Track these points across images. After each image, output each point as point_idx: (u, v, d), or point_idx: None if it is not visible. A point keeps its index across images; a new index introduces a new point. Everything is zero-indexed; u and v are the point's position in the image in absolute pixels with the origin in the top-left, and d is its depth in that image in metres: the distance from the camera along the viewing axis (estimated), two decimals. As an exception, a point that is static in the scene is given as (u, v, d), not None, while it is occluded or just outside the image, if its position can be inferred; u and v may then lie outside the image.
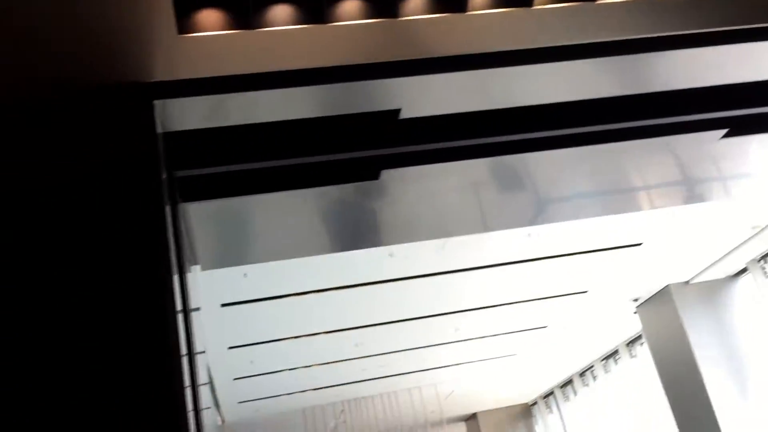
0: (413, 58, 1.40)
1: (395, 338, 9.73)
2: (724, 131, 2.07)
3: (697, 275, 9.54)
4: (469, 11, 1.41)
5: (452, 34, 1.41)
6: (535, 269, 8.01)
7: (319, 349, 9.06)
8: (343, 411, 13.64)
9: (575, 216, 3.61)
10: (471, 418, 17.73)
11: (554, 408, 16.66)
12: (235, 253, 2.35)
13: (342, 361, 10.01)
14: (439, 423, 15.00)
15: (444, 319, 9.21)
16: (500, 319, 9.87)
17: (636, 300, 10.31)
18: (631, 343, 12.73)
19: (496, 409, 17.36)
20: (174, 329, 1.29)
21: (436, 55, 1.38)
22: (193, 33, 1.25)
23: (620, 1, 1.46)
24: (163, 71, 1.23)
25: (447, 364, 11.99)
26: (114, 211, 1.20)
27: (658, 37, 1.57)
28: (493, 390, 15.17)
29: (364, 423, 13.98)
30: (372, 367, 11.15)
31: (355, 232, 2.51)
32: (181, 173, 1.44)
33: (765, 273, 9.21)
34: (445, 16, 1.40)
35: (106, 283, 1.25)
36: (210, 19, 1.23)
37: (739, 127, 2.10)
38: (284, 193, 1.67)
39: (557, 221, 5.05)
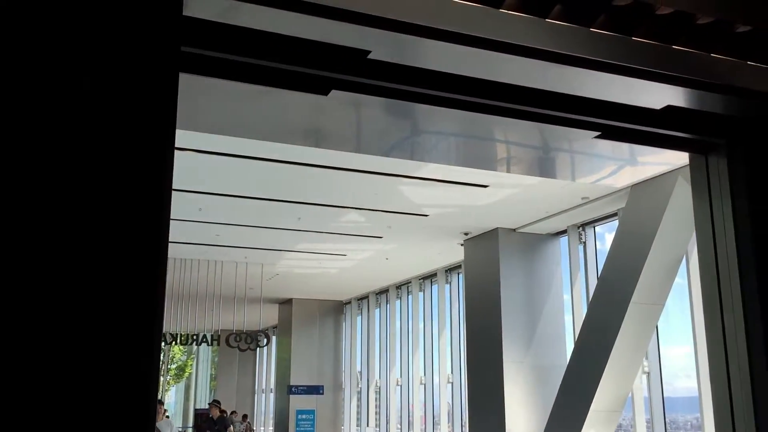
0: (382, 15, 1.77)
1: (238, 212, 9.94)
2: (597, 133, 2.58)
3: (524, 226, 10.52)
4: None
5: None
6: (388, 184, 8.48)
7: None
8: (164, 267, 13.73)
9: (443, 161, 4.08)
10: (286, 303, 18.52)
11: (364, 311, 17.81)
12: (202, 121, 2.72)
13: (182, 220, 10.09)
14: (256, 300, 15.55)
15: (291, 206, 9.53)
16: (343, 220, 10.36)
17: (466, 234, 11.19)
18: (450, 270, 13.81)
19: (311, 300, 18.23)
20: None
21: (396, 18, 1.75)
22: None
23: (547, 20, 1.87)
24: None
25: (280, 248, 12.41)
26: (136, 71, 1.46)
27: (566, 54, 2.04)
28: (314, 282, 15.90)
29: (183, 283, 14.18)
30: (208, 234, 11.32)
31: (293, 130, 2.86)
32: (187, 49, 1.71)
33: (580, 238, 10.35)
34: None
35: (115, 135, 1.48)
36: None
37: (609, 132, 2.59)
38: (258, 86, 2.01)
39: (427, 161, 5.54)
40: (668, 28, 2.09)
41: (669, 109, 2.51)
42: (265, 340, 15.88)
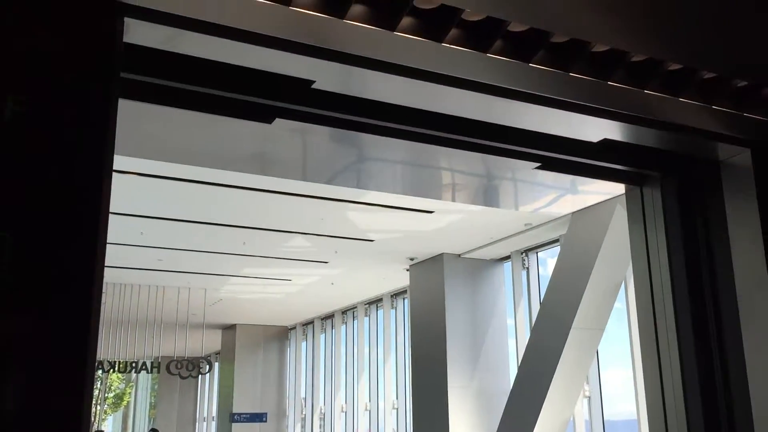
0: (327, 47, 1.79)
1: (182, 236, 9.77)
2: (538, 164, 2.65)
3: (469, 252, 10.63)
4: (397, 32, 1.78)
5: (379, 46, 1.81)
6: (334, 209, 8.48)
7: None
8: (104, 293, 13.37)
9: (389, 189, 4.13)
10: (229, 328, 18.20)
11: (309, 336, 17.64)
12: (145, 147, 2.70)
13: (123, 245, 9.86)
14: (198, 326, 15.24)
15: (236, 230, 9.42)
16: (289, 245, 10.29)
17: (412, 259, 11.25)
18: (396, 295, 13.83)
19: (255, 325, 17.97)
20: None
21: (331, 48, 1.78)
22: None
23: (488, 55, 1.93)
24: (145, 0, 1.54)
25: (224, 273, 12.23)
26: (75, 94, 1.45)
27: (507, 88, 2.10)
28: (258, 307, 15.69)
29: (123, 309, 13.82)
30: (149, 258, 11.09)
31: (238, 158, 2.86)
32: (127, 76, 1.70)
33: (523, 264, 10.52)
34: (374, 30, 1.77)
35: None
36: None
37: (549, 164, 2.67)
38: (201, 114, 2.01)
39: (372, 189, 5.58)
40: (604, 65, 2.17)
41: (606, 142, 2.60)
42: (207, 367, 15.56)
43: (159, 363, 15.67)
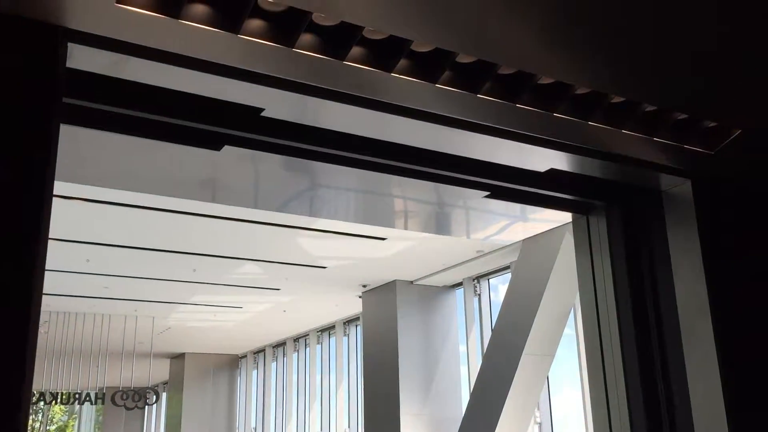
0: (275, 75, 1.79)
1: (129, 263, 9.56)
2: (487, 192, 2.70)
3: (421, 278, 10.67)
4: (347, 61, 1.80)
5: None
6: (286, 236, 8.42)
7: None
8: (46, 322, 12.94)
9: (341, 217, 4.13)
10: (178, 357, 17.81)
11: (260, 364, 17.37)
12: (91, 173, 2.65)
13: (68, 272, 9.59)
14: (146, 355, 14.87)
15: (186, 257, 9.27)
16: (240, 272, 10.16)
17: (364, 286, 11.22)
18: (348, 322, 13.76)
19: (205, 354, 17.62)
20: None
21: (281, 76, 1.79)
22: (126, 6, 1.47)
23: (436, 85, 1.97)
24: (89, 26, 1.51)
25: (173, 301, 11.99)
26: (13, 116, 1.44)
27: (455, 118, 2.14)
28: (208, 336, 15.41)
29: (67, 338, 13.42)
30: (96, 286, 10.81)
31: (187, 185, 2.83)
32: (71, 101, 1.66)
33: (475, 290, 10.59)
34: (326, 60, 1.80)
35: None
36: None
37: (497, 193, 2.72)
38: (148, 140, 1.99)
39: (325, 218, 5.57)
40: (549, 97, 2.22)
41: (553, 172, 2.66)
42: (155, 398, 15.14)
43: (104, 394, 15.18)
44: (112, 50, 1.58)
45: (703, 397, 2.56)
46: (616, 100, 2.34)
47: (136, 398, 14.05)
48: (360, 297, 11.61)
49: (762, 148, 2.63)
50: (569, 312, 8.44)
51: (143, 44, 1.58)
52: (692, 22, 1.97)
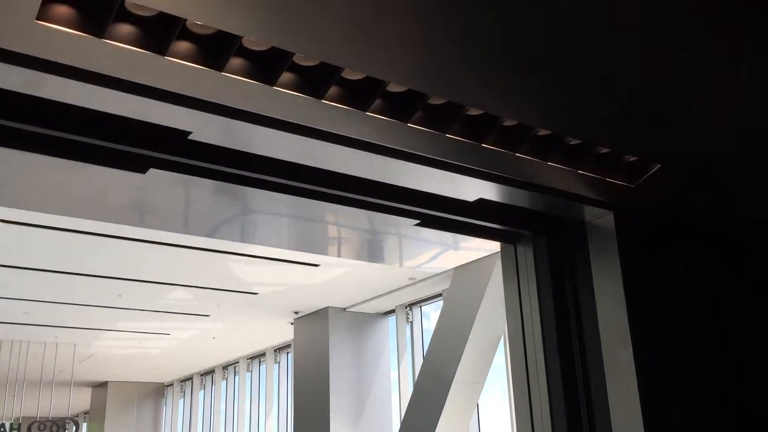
0: (202, 98, 1.75)
1: (50, 287, 9.19)
2: (417, 221, 2.72)
3: (354, 305, 10.63)
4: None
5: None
6: (217, 261, 8.26)
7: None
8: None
9: (273, 244, 4.08)
10: (100, 386, 17.16)
11: (187, 393, 16.89)
12: (8, 194, 2.54)
13: (-18, 297, 9.16)
14: (66, 384, 14.26)
15: (111, 282, 8.98)
16: (169, 297, 9.89)
17: (297, 313, 11.10)
18: (279, 350, 13.56)
19: (129, 382, 17.04)
20: None
21: (212, 101, 1.76)
22: (47, 23, 1.42)
23: (367, 113, 1.98)
24: (5, 42, 1.45)
25: (96, 327, 11.57)
26: None
27: (386, 146, 2.15)
28: (132, 363, 14.91)
29: (-20, 367, 12.77)
30: (14, 312, 10.33)
31: (112, 209, 2.74)
32: None
33: (407, 317, 10.61)
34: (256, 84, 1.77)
35: None
36: (63, 16, 1.43)
37: (428, 221, 2.74)
38: (69, 161, 1.91)
39: (257, 244, 5.50)
40: (478, 128, 2.26)
41: (481, 201, 2.70)
42: (74, 428, 14.50)
43: (20, 424, 14.46)
44: (29, 68, 1.51)
45: (623, 421, 2.62)
46: (542, 132, 2.40)
47: (54, 429, 13.44)
48: (292, 324, 11.47)
49: (679, 182, 2.74)
50: (499, 339, 8.54)
51: (64, 62, 1.53)
52: (616, 63, 2.05)
